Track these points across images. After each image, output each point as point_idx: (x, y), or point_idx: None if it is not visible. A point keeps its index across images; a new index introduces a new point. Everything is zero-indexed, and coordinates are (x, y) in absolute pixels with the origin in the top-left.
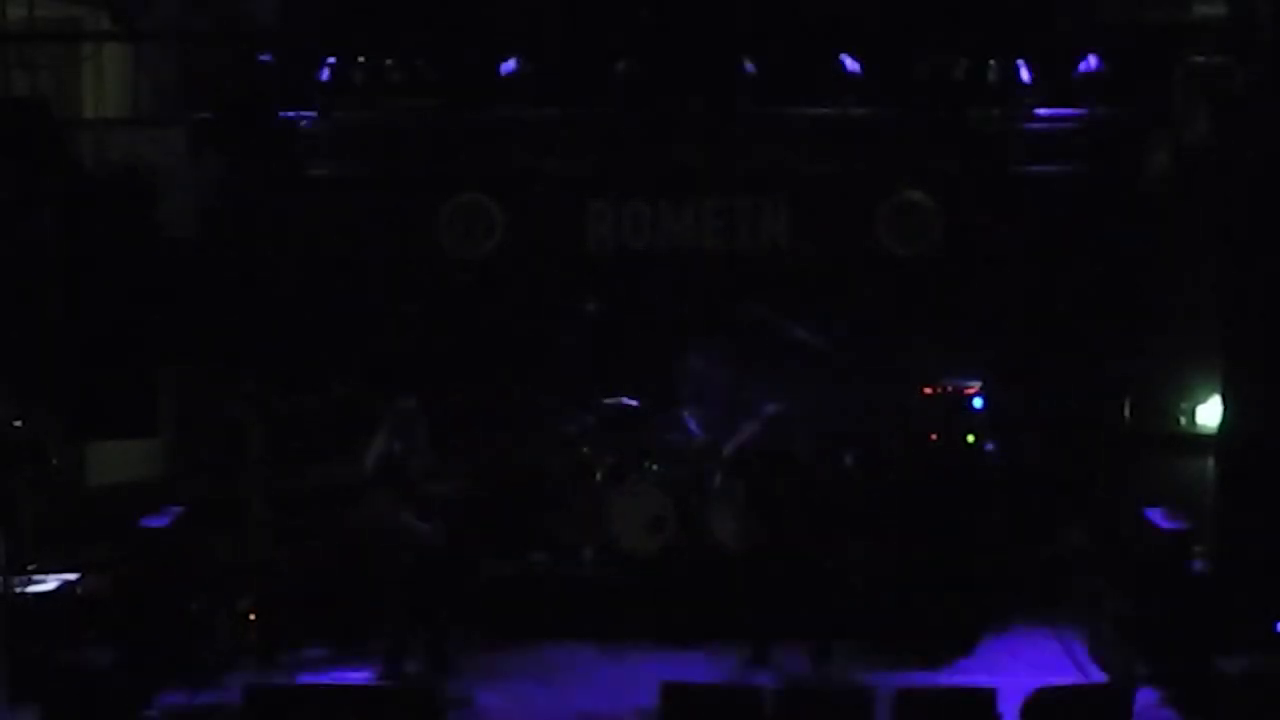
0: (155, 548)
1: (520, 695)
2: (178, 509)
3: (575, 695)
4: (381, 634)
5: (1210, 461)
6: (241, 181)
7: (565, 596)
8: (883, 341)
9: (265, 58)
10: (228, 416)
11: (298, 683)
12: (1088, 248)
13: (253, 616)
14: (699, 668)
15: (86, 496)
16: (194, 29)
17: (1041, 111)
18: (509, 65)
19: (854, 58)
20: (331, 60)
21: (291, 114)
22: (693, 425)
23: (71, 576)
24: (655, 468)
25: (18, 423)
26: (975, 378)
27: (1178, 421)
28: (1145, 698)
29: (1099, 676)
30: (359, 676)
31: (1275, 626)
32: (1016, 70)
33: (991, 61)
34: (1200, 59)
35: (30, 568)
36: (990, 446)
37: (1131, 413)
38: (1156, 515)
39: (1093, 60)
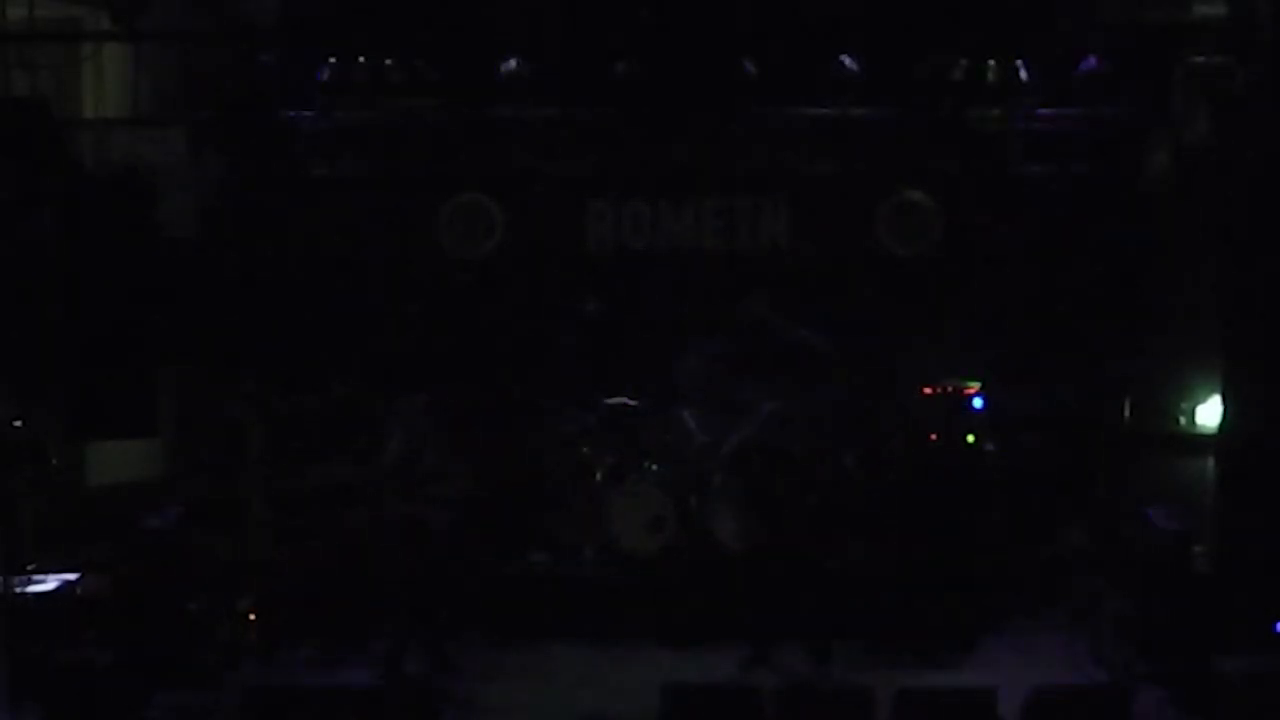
0: (155, 548)
1: (520, 695)
2: (178, 509)
3: (575, 695)
4: (381, 634)
5: (1210, 461)
6: (241, 181)
7: (565, 596)
8: (883, 341)
9: (265, 58)
10: (228, 416)
11: (298, 683)
12: (1088, 248)
13: (253, 616)
14: (699, 668)
15: (86, 496)
16: (194, 29)
17: (1041, 111)
18: (509, 65)
19: (854, 58)
20: (331, 60)
21: (291, 114)
22: (693, 425)
23: (71, 576)
24: (655, 468)
25: (18, 423)
26: (975, 378)
27: (1178, 421)
28: (1145, 698)
29: (1099, 676)
30: (359, 676)
31: (1275, 626)
32: (1016, 70)
33: (991, 61)
34: (1200, 59)
35: (30, 568)
36: (990, 446)
37: (1131, 413)
38: (1156, 515)
39: (1093, 60)
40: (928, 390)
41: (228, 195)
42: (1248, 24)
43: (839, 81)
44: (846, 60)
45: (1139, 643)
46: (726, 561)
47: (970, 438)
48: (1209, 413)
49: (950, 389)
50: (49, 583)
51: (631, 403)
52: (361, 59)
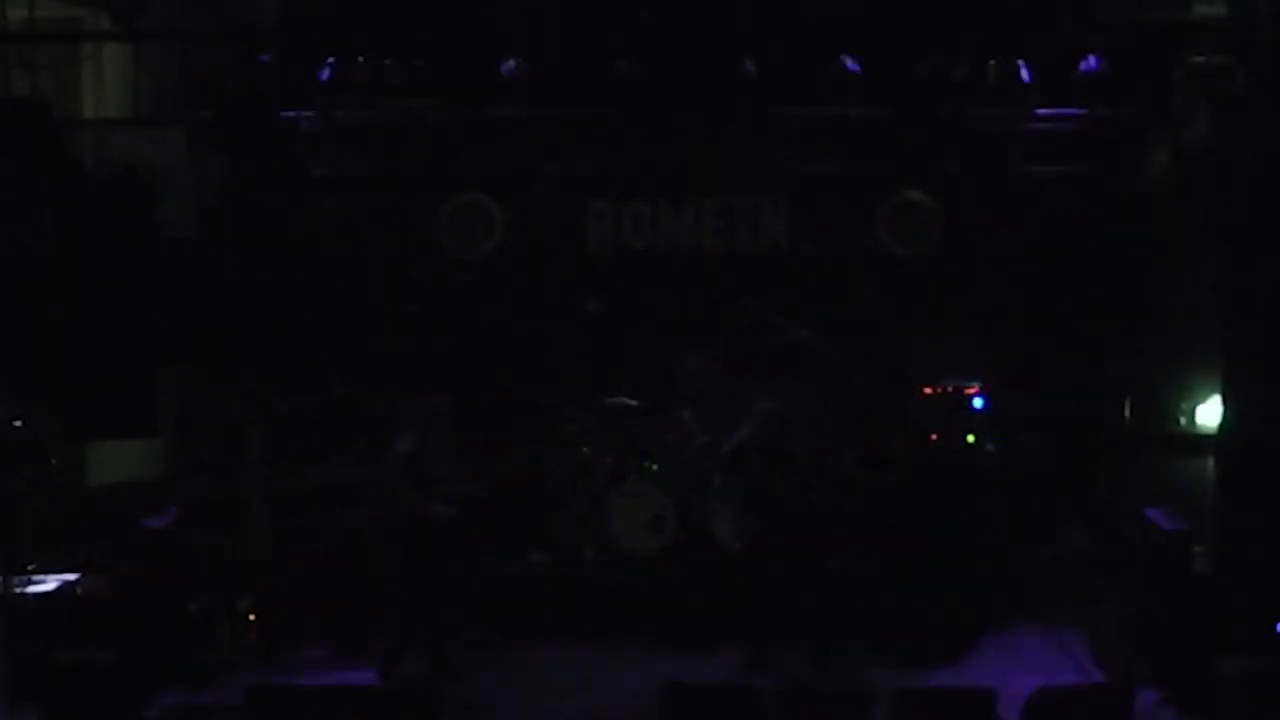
0: (155, 548)
1: (520, 695)
2: (178, 509)
3: (575, 695)
4: (381, 634)
5: (1210, 461)
6: (241, 181)
7: (565, 596)
8: (883, 341)
9: (265, 58)
10: (228, 416)
11: (298, 683)
12: (1088, 248)
13: (253, 616)
14: (699, 668)
15: (86, 496)
16: (194, 29)
17: (1041, 111)
18: (509, 65)
19: (854, 58)
20: (331, 60)
21: (291, 114)
22: (693, 425)
23: (71, 576)
24: (655, 468)
25: (18, 423)
26: (975, 378)
27: (1178, 421)
28: (1145, 698)
29: (1099, 676)
30: (359, 676)
31: (1275, 626)
32: (1016, 70)
33: (991, 61)
34: (1200, 59)
35: (30, 568)
36: (990, 446)
37: (1131, 413)
38: (1156, 515)
39: (1093, 60)
40: (928, 390)
41: (228, 195)
42: (1248, 24)
43: (839, 81)
44: (846, 60)
45: (1139, 643)
46: (726, 561)
47: (970, 438)
48: (1209, 413)
49: (950, 389)
50: (49, 583)
51: (631, 403)
52: (361, 59)
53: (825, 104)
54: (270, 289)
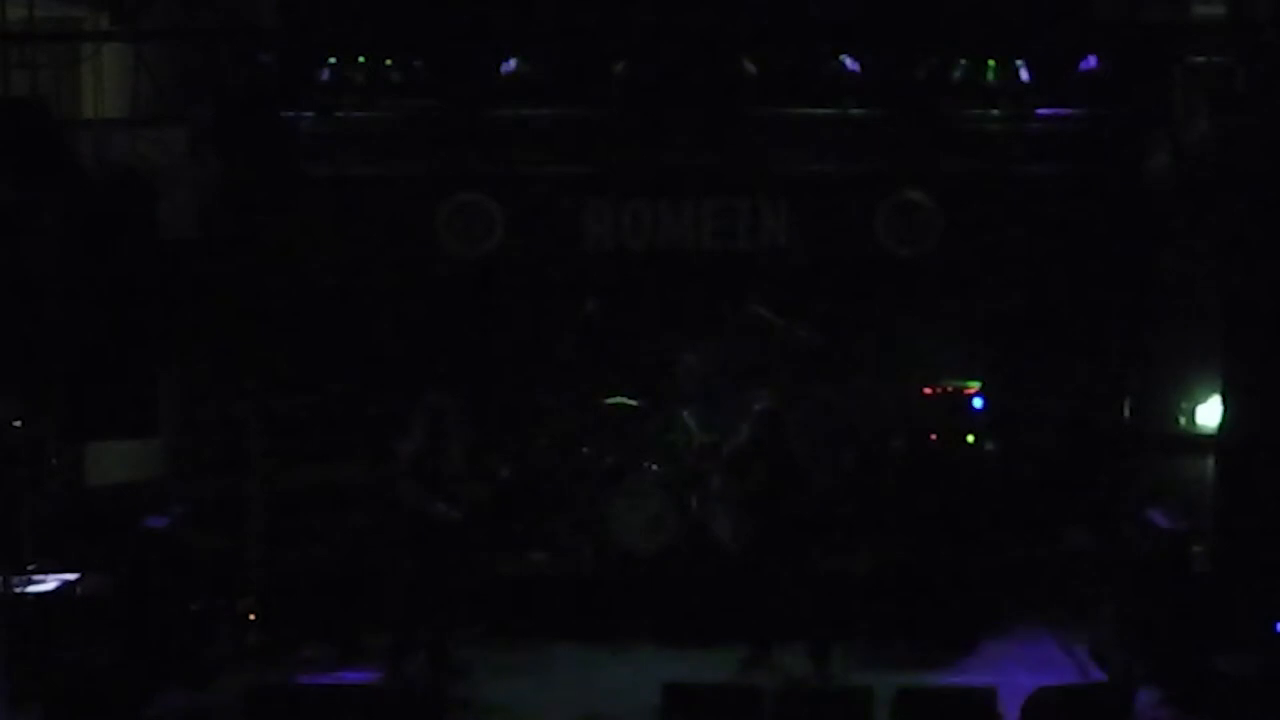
0: (155, 548)
1: (520, 695)
2: (178, 509)
3: (575, 695)
4: (381, 634)
5: (1210, 461)
6: (241, 181)
7: (565, 596)
8: (883, 341)
9: (265, 58)
10: (228, 416)
11: (298, 683)
12: (1088, 248)
13: (253, 616)
14: (699, 668)
15: (86, 496)
16: (194, 29)
17: (1041, 111)
18: (509, 65)
19: (854, 58)
20: (331, 60)
21: (291, 114)
22: (693, 425)
23: (71, 576)
24: (655, 468)
25: (18, 423)
26: (975, 378)
27: (1178, 421)
28: (1145, 698)
29: (1099, 676)
30: (359, 676)
31: (1275, 626)
32: (1016, 70)
33: (991, 61)
34: (1200, 59)
35: (30, 568)
36: (990, 446)
37: (1131, 413)
38: (1156, 515)
39: (1092, 60)
40: (928, 390)
41: (228, 195)
42: (1248, 24)
43: (839, 81)
44: (846, 60)
45: (1139, 643)
46: (726, 561)
47: (970, 438)
48: (1209, 413)
49: (950, 389)
50: (49, 583)
51: (631, 403)
52: (361, 59)
53: (825, 104)
54: (270, 289)
